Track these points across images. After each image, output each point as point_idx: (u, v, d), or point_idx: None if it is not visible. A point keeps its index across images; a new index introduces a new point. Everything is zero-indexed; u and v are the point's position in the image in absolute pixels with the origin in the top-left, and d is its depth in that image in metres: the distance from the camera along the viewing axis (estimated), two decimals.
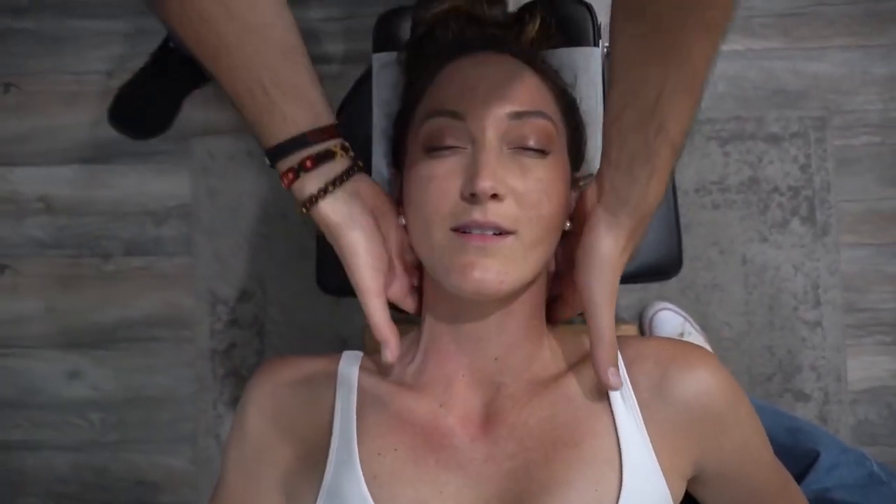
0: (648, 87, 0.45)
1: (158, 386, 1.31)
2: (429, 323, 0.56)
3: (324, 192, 0.52)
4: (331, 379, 0.56)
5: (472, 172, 0.49)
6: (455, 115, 0.51)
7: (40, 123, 1.33)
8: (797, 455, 0.88)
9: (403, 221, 0.56)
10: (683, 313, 1.23)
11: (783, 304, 1.24)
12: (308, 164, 0.52)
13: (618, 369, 0.51)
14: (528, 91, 0.54)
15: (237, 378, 1.30)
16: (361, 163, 0.56)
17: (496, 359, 0.54)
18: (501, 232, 0.48)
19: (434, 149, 0.51)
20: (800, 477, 0.82)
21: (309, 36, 1.31)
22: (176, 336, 1.31)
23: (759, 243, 1.25)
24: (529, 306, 0.55)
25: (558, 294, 0.59)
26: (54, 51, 1.33)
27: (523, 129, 0.51)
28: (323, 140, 0.52)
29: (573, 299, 0.58)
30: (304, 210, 0.54)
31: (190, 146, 1.31)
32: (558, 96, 0.58)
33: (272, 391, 0.56)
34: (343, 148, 0.54)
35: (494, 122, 0.51)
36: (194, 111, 1.31)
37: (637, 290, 1.25)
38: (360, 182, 0.55)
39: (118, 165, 1.32)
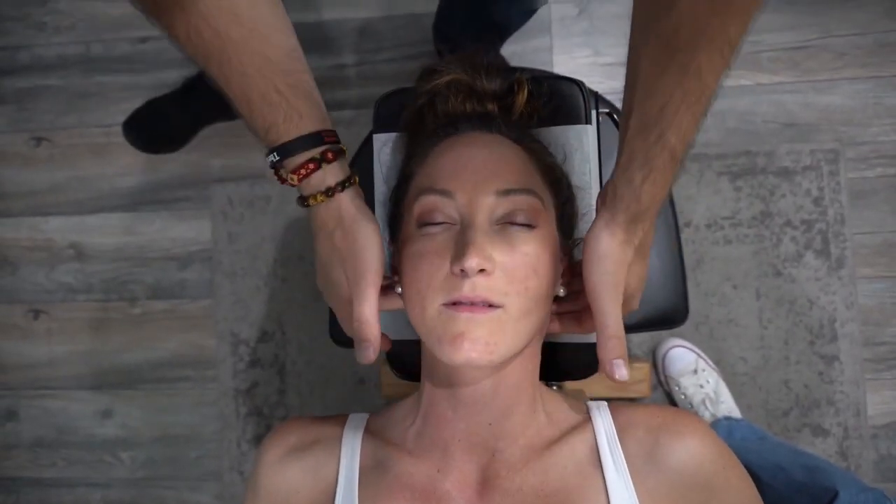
0: (655, 97, 0.46)
1: (184, 424, 1.36)
2: (427, 388, 0.58)
3: (345, 182, 0.54)
4: (336, 443, 0.59)
5: (460, 249, 0.50)
6: (445, 193, 0.54)
7: (71, 174, 1.40)
8: (815, 494, 0.88)
9: (399, 290, 0.58)
10: (697, 349, 1.23)
11: (799, 339, 1.23)
12: (330, 156, 0.53)
13: (623, 361, 0.51)
14: (515, 169, 0.56)
15: (259, 417, 1.34)
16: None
17: (490, 424, 0.55)
18: (490, 304, 0.50)
19: (426, 224, 0.54)
20: None
21: (321, 83, 1.34)
22: (201, 376, 1.36)
23: (773, 277, 1.24)
24: (522, 372, 0.56)
25: (582, 308, 0.59)
26: (82, 105, 1.40)
27: (510, 205, 0.53)
28: (334, 140, 0.54)
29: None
30: (316, 200, 0.53)
31: (210, 193, 1.36)
32: (546, 173, 0.59)
33: (281, 457, 0.59)
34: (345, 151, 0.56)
35: (482, 199, 0.53)
36: (213, 158, 1.36)
37: None
38: (357, 185, 0.56)
39: (143, 213, 1.38)
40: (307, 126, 0.52)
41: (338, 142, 0.55)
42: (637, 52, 0.47)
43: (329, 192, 0.53)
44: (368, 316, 0.53)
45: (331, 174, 0.53)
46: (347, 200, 0.54)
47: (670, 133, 0.46)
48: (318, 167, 0.53)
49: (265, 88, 0.51)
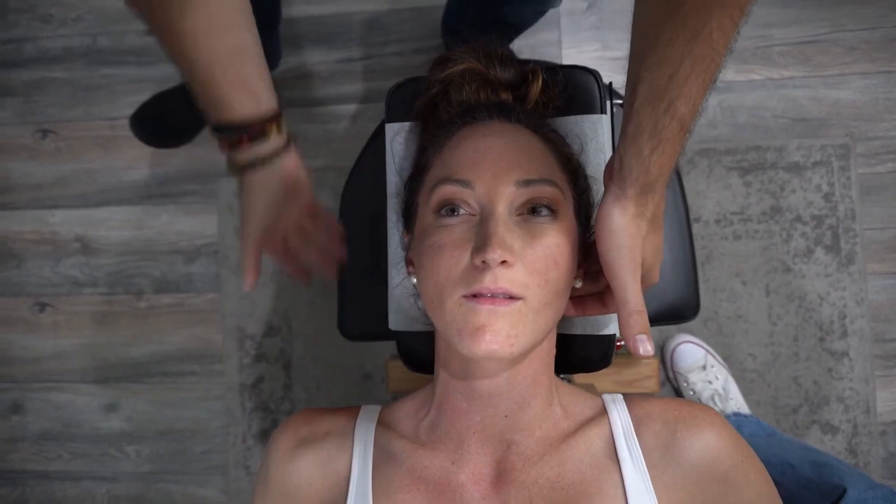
0: (664, 66, 0.45)
1: (190, 419, 1.35)
2: (442, 379, 0.58)
3: (251, 165, 0.62)
4: (348, 435, 0.59)
5: (481, 241, 0.50)
6: (464, 183, 0.53)
7: (77, 167, 1.40)
8: (823, 490, 0.88)
9: (415, 280, 0.57)
10: (705, 345, 1.22)
11: (809, 335, 1.23)
12: (244, 140, 0.61)
13: (647, 336, 0.50)
14: (534, 159, 0.55)
15: (265, 411, 1.33)
16: (295, 136, 0.65)
17: (506, 416, 0.55)
18: (511, 296, 0.50)
19: (444, 215, 0.53)
20: None
21: (328, 77, 1.35)
22: (207, 370, 1.35)
23: (783, 273, 1.23)
24: (538, 364, 0.56)
25: (603, 290, 0.59)
26: (88, 98, 1.39)
27: (530, 195, 0.53)
28: (261, 124, 0.61)
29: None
30: (233, 168, 0.64)
31: (217, 186, 1.35)
32: (564, 163, 0.59)
33: (292, 449, 0.59)
34: (277, 126, 0.62)
35: (502, 189, 0.52)
36: (220, 152, 1.35)
37: None
38: (286, 159, 0.64)
39: (150, 206, 1.37)
40: (233, 116, 0.60)
41: (271, 120, 0.62)
42: (644, 20, 0.46)
43: (234, 168, 0.64)
44: (248, 262, 0.67)
45: (241, 155, 0.62)
46: (249, 176, 0.64)
47: (680, 102, 0.45)
48: (231, 149, 0.62)
49: (205, 78, 0.58)
